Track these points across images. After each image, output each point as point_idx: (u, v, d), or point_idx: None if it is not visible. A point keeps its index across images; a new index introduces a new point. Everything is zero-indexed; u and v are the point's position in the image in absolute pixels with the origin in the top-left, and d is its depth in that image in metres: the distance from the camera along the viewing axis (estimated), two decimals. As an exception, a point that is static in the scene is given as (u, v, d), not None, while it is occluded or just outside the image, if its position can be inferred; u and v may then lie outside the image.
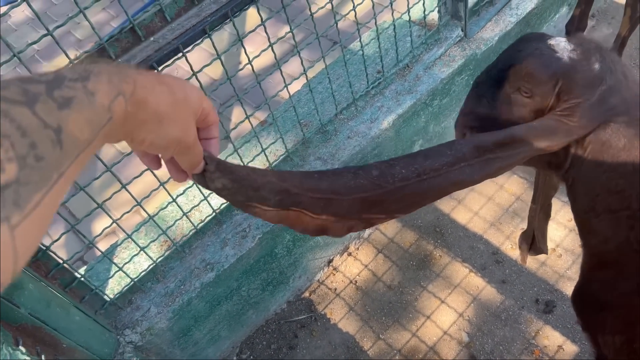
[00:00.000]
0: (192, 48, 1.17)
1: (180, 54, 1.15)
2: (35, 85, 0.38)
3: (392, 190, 0.79)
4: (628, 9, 1.65)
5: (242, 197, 0.69)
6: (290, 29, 1.37)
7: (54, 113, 0.37)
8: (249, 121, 1.48)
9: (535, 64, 0.89)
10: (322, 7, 1.48)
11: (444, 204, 2.05)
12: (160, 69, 1.15)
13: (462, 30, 1.89)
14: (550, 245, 1.84)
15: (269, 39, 1.33)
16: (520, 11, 2.00)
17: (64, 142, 0.37)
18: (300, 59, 1.46)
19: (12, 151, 0.33)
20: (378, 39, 1.68)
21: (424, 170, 0.81)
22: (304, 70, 1.50)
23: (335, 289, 1.94)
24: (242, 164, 1.51)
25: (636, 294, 0.91)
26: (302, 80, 1.60)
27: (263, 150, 1.57)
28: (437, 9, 1.83)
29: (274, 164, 1.65)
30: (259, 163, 1.66)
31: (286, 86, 1.48)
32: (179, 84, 0.54)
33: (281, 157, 1.67)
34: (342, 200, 0.76)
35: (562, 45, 0.89)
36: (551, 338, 1.71)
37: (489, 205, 2.01)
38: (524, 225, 1.91)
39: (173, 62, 1.16)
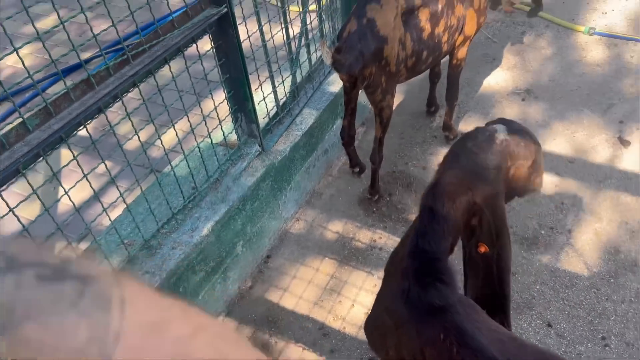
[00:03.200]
0: (7, 187, 1.30)
1: (-5, 194, 1.27)
2: None
3: None
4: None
5: None
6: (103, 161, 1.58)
7: None
8: (72, 249, 1.59)
9: None
10: (129, 139, 1.72)
11: (273, 295, 2.28)
12: (-25, 209, 1.24)
13: (259, 146, 2.28)
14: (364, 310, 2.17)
15: (82, 171, 1.51)
16: (304, 126, 2.48)
17: None
18: (117, 186, 1.66)
19: None
20: (186, 160, 1.96)
21: None
22: (121, 194, 1.69)
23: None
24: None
25: (385, 314, 1.24)
26: (123, 206, 1.78)
27: (89, 273, 1.66)
28: (234, 131, 2.19)
29: (102, 285, 1.74)
30: (88, 287, 1.72)
31: (105, 210, 1.65)
32: None
33: (109, 277, 1.76)
34: None
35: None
36: (379, 390, 1.97)
37: (310, 288, 2.30)
38: (342, 299, 2.23)
39: (-12, 202, 1.27)
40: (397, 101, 3.17)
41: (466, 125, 2.96)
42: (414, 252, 1.26)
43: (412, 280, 1.22)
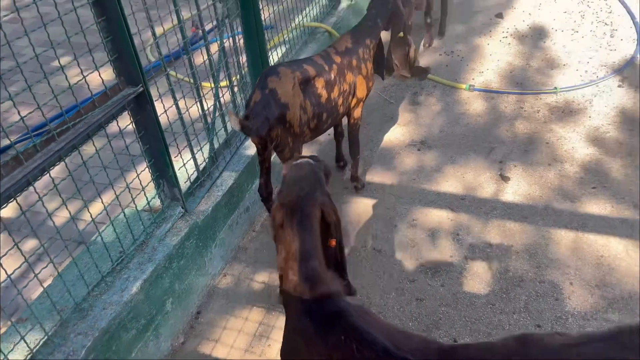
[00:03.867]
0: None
1: None
2: None
3: None
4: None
5: None
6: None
7: None
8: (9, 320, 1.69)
9: None
10: (52, 213, 1.88)
11: (205, 347, 2.41)
12: None
13: (182, 208, 2.48)
14: None
15: (16, 244, 1.65)
16: (224, 187, 2.72)
17: None
18: (50, 258, 1.79)
19: None
20: (113, 227, 2.12)
21: None
22: (51, 260, 1.82)
23: None
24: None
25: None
26: (54, 277, 1.90)
27: (22, 337, 1.75)
28: (157, 196, 2.39)
29: (35, 350, 1.82)
30: (20, 354, 1.80)
31: (36, 276, 1.77)
32: None
33: (42, 342, 1.85)
34: None
35: None
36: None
37: (241, 336, 2.45)
38: (271, 342, 2.39)
39: None
40: (310, 160, 3.50)
41: (372, 176, 3.32)
42: (305, 277, 1.48)
43: (310, 298, 1.45)
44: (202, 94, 2.56)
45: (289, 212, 1.54)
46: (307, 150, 3.56)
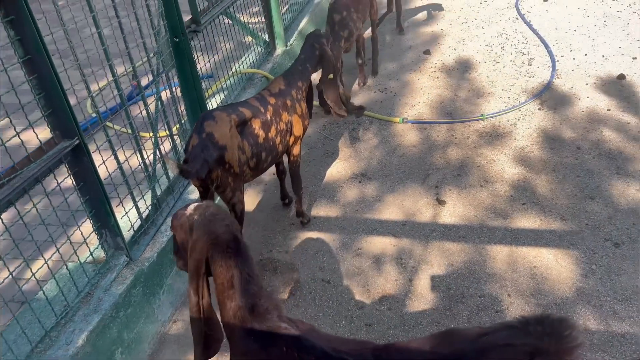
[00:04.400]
0: None
1: None
2: None
3: None
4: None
5: None
6: (-32, 287, 1.71)
7: None
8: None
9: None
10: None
11: (158, 396, 2.37)
12: None
13: (127, 256, 2.49)
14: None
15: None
16: (169, 233, 2.74)
17: None
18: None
19: None
20: (56, 281, 2.12)
21: None
22: (-11, 318, 1.80)
23: None
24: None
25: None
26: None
27: (-39, 401, 1.70)
28: (100, 246, 2.40)
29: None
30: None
31: (-26, 335, 1.74)
32: None
33: (-17, 405, 1.80)
34: None
35: None
36: None
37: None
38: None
39: None
40: (257, 199, 3.58)
41: (318, 210, 3.42)
42: (245, 301, 1.55)
43: (251, 320, 1.52)
44: (141, 144, 2.62)
45: (218, 245, 1.60)
46: (253, 190, 3.64)
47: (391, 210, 3.35)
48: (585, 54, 4.86)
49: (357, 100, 4.63)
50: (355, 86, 4.85)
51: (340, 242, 3.15)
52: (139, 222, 2.65)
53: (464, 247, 3.01)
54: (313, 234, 3.24)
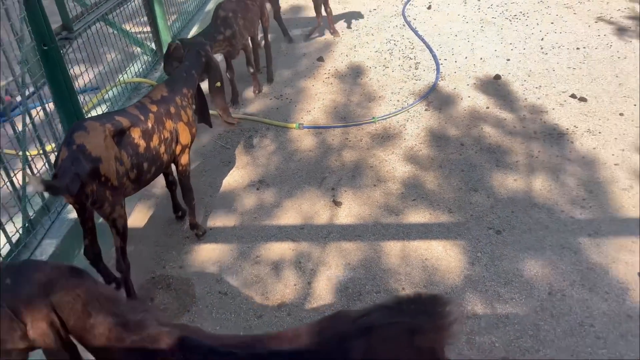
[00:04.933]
0: None
1: None
2: None
3: None
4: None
5: None
6: None
7: None
8: None
9: None
10: None
11: None
12: None
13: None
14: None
15: None
16: (45, 256, 2.53)
17: None
18: None
19: None
20: None
21: None
22: None
23: None
24: None
25: None
26: None
27: None
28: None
29: None
30: None
31: None
32: None
33: None
34: None
35: None
36: None
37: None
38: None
39: None
40: (148, 214, 3.41)
41: (214, 220, 3.32)
42: (116, 319, 1.45)
43: (130, 336, 1.44)
44: (4, 161, 2.38)
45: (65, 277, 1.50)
46: (143, 205, 3.46)
47: (289, 215, 3.33)
48: (466, 57, 5.18)
49: (253, 108, 4.59)
50: (251, 94, 4.81)
51: (238, 252, 3.07)
52: (7, 247, 2.40)
53: (360, 246, 3.05)
54: (209, 246, 3.13)
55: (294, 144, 4.08)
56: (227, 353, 1.38)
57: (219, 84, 3.14)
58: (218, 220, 3.34)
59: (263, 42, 4.99)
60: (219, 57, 4.49)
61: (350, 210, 3.35)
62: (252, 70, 4.66)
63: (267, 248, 3.09)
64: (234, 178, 3.73)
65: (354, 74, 5.06)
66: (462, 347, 2.42)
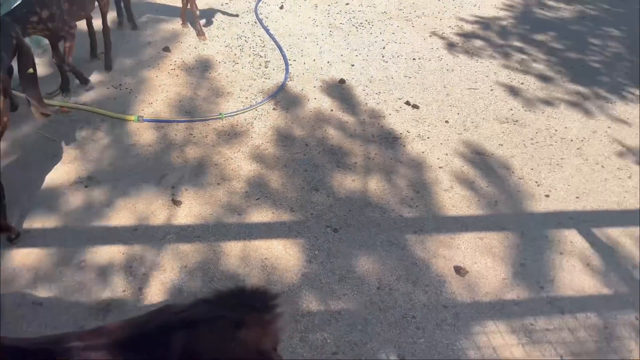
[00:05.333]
0: None
1: None
2: None
3: None
4: None
5: None
6: None
7: None
8: None
9: None
10: None
11: None
12: None
13: None
14: None
15: None
16: None
17: None
18: None
19: None
20: None
21: None
22: None
23: None
24: None
25: None
26: None
27: None
28: None
29: None
30: None
31: None
32: None
33: None
34: None
35: None
36: None
37: None
38: None
39: None
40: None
41: (32, 221, 2.95)
42: None
43: None
44: None
45: None
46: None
47: (122, 216, 3.09)
48: (314, 60, 5.32)
49: (87, 97, 4.18)
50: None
51: (59, 257, 2.77)
52: None
53: (198, 247, 2.95)
54: (24, 251, 2.77)
55: (132, 137, 3.80)
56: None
57: (31, 70, 2.78)
58: (37, 222, 2.97)
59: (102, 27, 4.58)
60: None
61: (191, 209, 3.21)
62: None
63: (94, 252, 2.83)
64: (59, 174, 3.35)
65: (202, 67, 4.89)
66: (295, 345, 2.46)
